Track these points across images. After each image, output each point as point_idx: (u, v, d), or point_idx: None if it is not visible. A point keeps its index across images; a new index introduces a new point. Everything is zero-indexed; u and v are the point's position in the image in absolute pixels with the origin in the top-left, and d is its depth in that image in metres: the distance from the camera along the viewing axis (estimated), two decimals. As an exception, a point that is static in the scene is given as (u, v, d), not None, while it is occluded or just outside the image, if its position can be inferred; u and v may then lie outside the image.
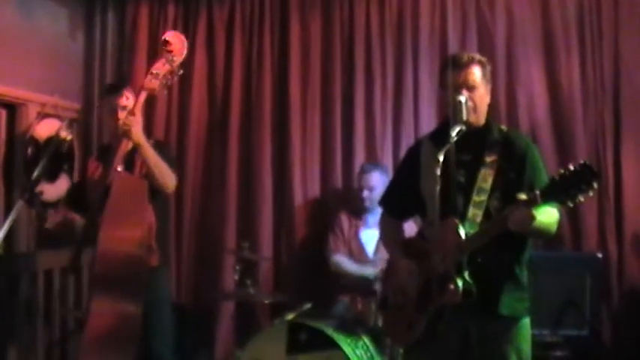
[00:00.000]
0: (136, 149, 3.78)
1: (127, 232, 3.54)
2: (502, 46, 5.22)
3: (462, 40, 5.25)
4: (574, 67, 5.10)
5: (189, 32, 5.65)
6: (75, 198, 4.30)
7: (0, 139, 5.04)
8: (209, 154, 5.68)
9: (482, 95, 3.01)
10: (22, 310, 4.78)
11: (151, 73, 3.72)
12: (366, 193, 4.99)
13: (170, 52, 3.75)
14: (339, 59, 5.52)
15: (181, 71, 3.86)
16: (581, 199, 2.44)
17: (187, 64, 5.55)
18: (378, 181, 4.93)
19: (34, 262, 4.90)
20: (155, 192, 3.81)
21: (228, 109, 5.65)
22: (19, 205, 3.50)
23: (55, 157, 4.01)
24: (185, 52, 3.82)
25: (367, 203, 5.00)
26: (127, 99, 3.96)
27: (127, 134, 3.64)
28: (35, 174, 3.62)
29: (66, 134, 3.79)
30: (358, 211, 5.11)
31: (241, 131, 5.63)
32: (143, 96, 3.73)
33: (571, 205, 2.47)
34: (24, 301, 4.79)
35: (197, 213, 5.64)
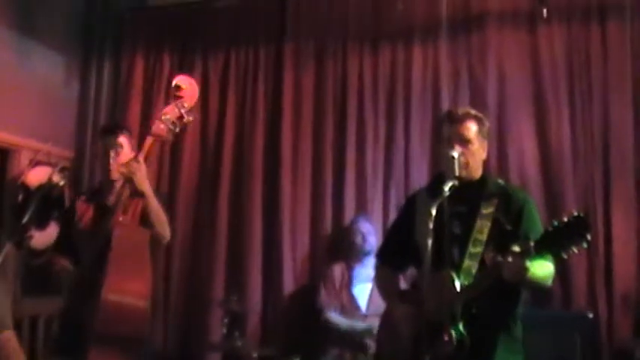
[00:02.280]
0: (132, 197, 3.64)
1: (131, 283, 3.38)
2: (493, 103, 5.25)
3: (454, 96, 5.29)
4: (564, 125, 5.12)
5: (183, 83, 5.69)
6: (64, 242, 4.09)
7: (-10, 184, 5.05)
8: (200, 203, 5.69)
9: (476, 150, 3.04)
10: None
11: (160, 119, 3.59)
12: (359, 239, 5.01)
13: (181, 97, 3.63)
14: (331, 112, 5.56)
15: (192, 118, 3.70)
16: (575, 250, 2.45)
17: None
18: (369, 230, 4.98)
19: (19, 308, 4.83)
20: (152, 244, 3.67)
21: (220, 160, 5.67)
22: (8, 247, 3.44)
23: (45, 202, 3.94)
24: (196, 97, 3.70)
25: (358, 249, 5.00)
26: (122, 142, 3.83)
27: (129, 181, 3.52)
28: (25, 217, 3.55)
29: (58, 179, 3.72)
30: (349, 261, 5.08)
31: (232, 182, 5.64)
32: (149, 141, 3.59)
33: (565, 256, 2.49)
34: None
35: (186, 263, 5.61)
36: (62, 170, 3.75)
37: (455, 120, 3.02)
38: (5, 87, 4.97)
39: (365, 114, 5.49)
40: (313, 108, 5.61)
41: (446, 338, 2.73)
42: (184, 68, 5.78)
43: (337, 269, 5.09)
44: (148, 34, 5.98)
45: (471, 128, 3.02)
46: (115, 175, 3.73)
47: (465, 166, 2.96)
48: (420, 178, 5.20)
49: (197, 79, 5.73)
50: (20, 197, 4.92)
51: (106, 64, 5.90)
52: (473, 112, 3.11)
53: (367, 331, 4.34)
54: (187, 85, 3.70)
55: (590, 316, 4.71)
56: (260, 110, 5.67)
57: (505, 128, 5.22)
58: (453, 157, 2.90)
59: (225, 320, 4.70)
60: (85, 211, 3.89)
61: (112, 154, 3.76)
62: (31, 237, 3.95)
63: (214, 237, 5.56)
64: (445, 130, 3.02)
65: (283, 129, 5.59)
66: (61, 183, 3.77)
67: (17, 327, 4.75)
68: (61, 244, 4.18)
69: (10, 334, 2.32)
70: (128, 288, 3.36)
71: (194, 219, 5.65)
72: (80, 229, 3.84)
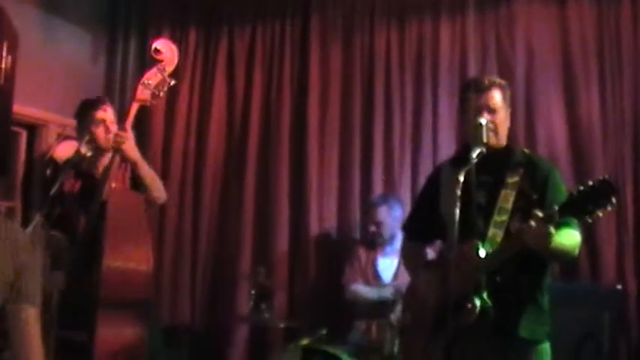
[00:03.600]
0: (120, 164, 3.72)
1: (132, 248, 3.45)
2: (521, 79, 5.21)
3: (482, 70, 5.22)
4: (593, 100, 5.06)
5: (209, 59, 5.74)
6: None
7: (19, 160, 5.08)
8: (226, 181, 5.70)
9: (503, 118, 3.03)
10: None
11: (142, 84, 3.69)
12: (372, 228, 5.00)
13: (161, 61, 3.72)
14: (358, 89, 5.54)
15: (173, 81, 3.79)
16: (600, 214, 2.43)
17: (207, 91, 5.66)
18: (385, 216, 4.91)
19: (48, 282, 4.87)
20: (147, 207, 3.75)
21: (247, 138, 5.68)
22: (37, 218, 3.47)
23: (75, 175, 3.97)
24: (176, 60, 3.78)
25: (376, 237, 4.99)
26: (106, 111, 3.89)
27: (119, 150, 3.59)
28: (53, 190, 3.58)
29: (85, 150, 3.75)
30: (373, 244, 5.07)
31: (259, 159, 5.65)
32: (135, 108, 3.69)
33: (590, 221, 2.46)
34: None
35: (213, 238, 5.64)
36: (89, 142, 3.77)
37: (481, 89, 3.00)
38: (32, 64, 4.98)
39: (392, 89, 5.46)
40: (340, 84, 5.59)
41: (469, 306, 2.72)
42: (210, 44, 5.79)
43: (362, 250, 5.09)
44: (173, 10, 5.96)
45: (497, 97, 3.02)
46: (104, 145, 3.77)
47: (494, 132, 2.94)
48: (449, 152, 5.14)
49: (223, 54, 5.77)
50: (49, 172, 4.96)
51: (132, 41, 5.92)
52: (497, 80, 3.11)
53: (393, 302, 4.31)
54: (167, 49, 3.79)
55: (620, 289, 4.67)
56: (287, 86, 5.66)
57: (533, 102, 5.18)
58: (481, 125, 2.87)
59: (253, 293, 4.70)
60: (72, 186, 3.92)
61: (100, 125, 3.83)
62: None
63: (241, 212, 5.57)
64: (471, 99, 3.00)
65: (310, 105, 5.58)
66: (89, 154, 3.79)
67: (46, 302, 4.81)
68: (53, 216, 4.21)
69: (36, 313, 2.33)
70: (129, 253, 3.43)
71: (221, 195, 5.67)
72: (70, 202, 3.86)
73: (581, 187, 2.46)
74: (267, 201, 5.57)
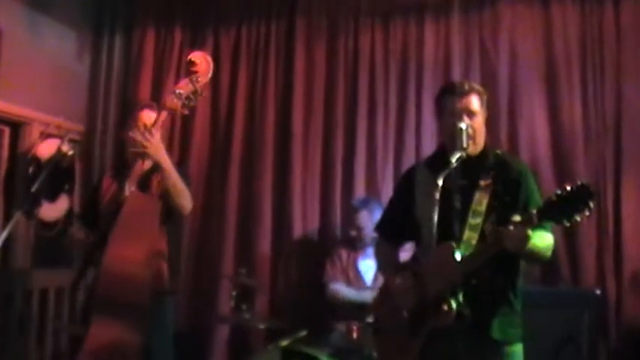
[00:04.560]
0: (153, 170, 3.69)
1: (133, 251, 3.38)
2: (505, 80, 5.23)
3: (466, 72, 5.25)
4: (576, 103, 5.09)
5: (194, 58, 5.70)
6: (87, 213, 4.14)
7: (2, 157, 5.07)
8: (210, 178, 5.69)
9: (480, 123, 3.04)
10: (14, 328, 4.75)
11: (174, 93, 3.63)
12: (353, 233, 5.02)
13: (195, 72, 3.66)
14: (342, 89, 5.55)
15: (204, 93, 3.75)
16: (578, 218, 2.47)
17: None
18: (367, 221, 4.89)
19: (29, 279, 4.89)
20: (170, 215, 3.70)
21: (231, 136, 5.68)
22: (17, 215, 3.46)
23: (55, 173, 3.97)
24: (210, 73, 3.72)
25: (356, 241, 5.02)
26: (149, 116, 3.84)
27: (142, 154, 3.56)
28: (35, 187, 3.57)
29: (67, 148, 3.74)
30: (354, 246, 5.08)
31: (243, 157, 5.65)
32: (163, 115, 3.64)
33: (567, 224, 2.50)
34: (17, 318, 4.76)
35: (195, 238, 5.63)
36: (71, 141, 3.75)
37: (460, 93, 3.01)
38: (17, 61, 4.97)
39: (376, 90, 5.48)
40: (324, 84, 5.60)
41: (445, 309, 2.73)
42: (196, 43, 5.77)
43: (344, 251, 5.10)
44: (159, 9, 5.95)
45: (476, 102, 3.03)
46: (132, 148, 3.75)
47: (473, 137, 2.95)
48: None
49: (208, 54, 5.74)
50: (31, 170, 4.96)
51: (117, 39, 5.89)
52: (476, 86, 3.12)
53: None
54: (202, 60, 3.73)
55: (598, 293, 4.70)
56: (271, 86, 5.67)
57: (516, 105, 5.21)
58: (462, 129, 2.89)
59: (234, 294, 4.69)
60: (109, 187, 3.93)
61: (138, 129, 3.74)
62: (40, 205, 3.97)
63: (225, 212, 5.57)
64: (449, 103, 3.02)
65: (294, 104, 5.59)
66: (70, 152, 3.79)
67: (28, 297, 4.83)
68: (84, 218, 4.24)
69: None
70: (129, 255, 3.36)
71: (205, 194, 5.65)
72: (103, 205, 3.87)
73: (560, 192, 2.49)
74: (250, 201, 5.57)
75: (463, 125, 2.91)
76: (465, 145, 2.87)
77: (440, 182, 2.73)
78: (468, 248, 2.81)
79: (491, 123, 3.14)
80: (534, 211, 2.57)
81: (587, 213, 2.46)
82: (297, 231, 5.45)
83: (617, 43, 5.09)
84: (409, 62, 5.46)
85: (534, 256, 2.88)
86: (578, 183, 2.49)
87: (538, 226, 2.61)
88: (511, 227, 2.59)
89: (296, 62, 5.63)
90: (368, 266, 4.96)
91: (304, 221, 5.48)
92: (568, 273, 4.94)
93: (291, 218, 5.45)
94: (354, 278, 4.96)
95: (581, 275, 4.92)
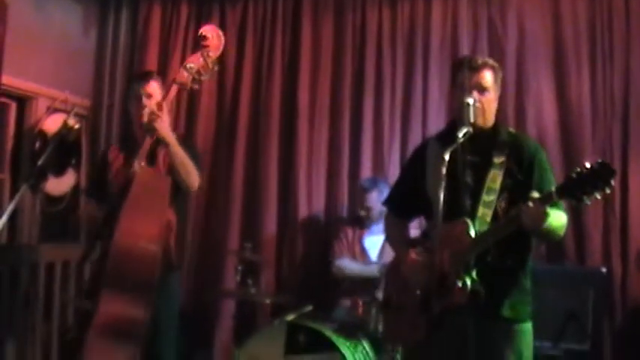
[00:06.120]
0: (159, 144, 3.64)
1: (144, 227, 3.37)
2: (512, 58, 5.22)
3: (473, 49, 5.22)
4: (584, 82, 5.08)
5: (200, 33, 5.67)
6: (95, 185, 4.09)
7: (9, 132, 5.06)
8: (216, 154, 5.68)
9: (492, 99, 3.02)
10: (21, 302, 4.77)
11: (184, 67, 3.61)
12: (362, 213, 5.04)
13: (206, 46, 3.64)
14: (349, 65, 5.53)
15: (216, 68, 3.75)
16: (598, 196, 2.44)
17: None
18: (376, 202, 4.88)
19: (36, 254, 4.90)
20: (177, 190, 3.67)
21: (237, 112, 5.65)
22: (23, 189, 3.45)
23: (62, 148, 3.95)
24: (222, 48, 3.70)
25: (364, 220, 5.04)
26: (153, 88, 3.80)
27: (151, 129, 3.52)
28: (41, 160, 3.55)
29: (73, 122, 3.71)
30: (360, 223, 5.10)
31: (249, 134, 5.63)
32: (174, 90, 3.63)
33: (588, 202, 2.47)
34: (24, 293, 4.78)
35: (201, 213, 5.63)
36: (77, 115, 3.73)
37: (474, 68, 2.99)
38: (23, 36, 4.93)
39: (383, 66, 5.45)
40: (331, 59, 5.57)
41: (459, 286, 2.72)
42: (202, 18, 5.73)
43: (349, 229, 5.12)
44: (165, -17, 5.91)
45: (489, 77, 3.01)
46: (138, 120, 3.73)
47: (482, 113, 2.94)
48: (439, 130, 5.17)
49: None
50: (37, 144, 4.95)
51: (123, 14, 5.85)
52: (490, 61, 3.08)
53: (379, 279, 4.33)
54: (213, 35, 3.71)
55: (604, 271, 4.71)
56: (278, 61, 5.64)
57: (524, 83, 5.20)
58: (468, 104, 2.87)
59: (239, 269, 4.70)
60: (115, 159, 3.91)
61: (144, 100, 3.74)
62: (46, 179, 3.95)
63: (230, 187, 5.57)
64: (462, 77, 2.98)
65: (301, 80, 5.56)
66: (77, 126, 3.77)
67: (34, 272, 4.85)
68: (91, 191, 4.21)
69: None
70: (140, 231, 3.35)
71: (210, 169, 5.62)
72: (110, 177, 3.85)
73: (579, 169, 2.47)
74: (255, 176, 5.56)
75: (470, 100, 2.89)
76: (471, 120, 2.85)
77: (446, 157, 2.72)
78: (483, 225, 2.81)
79: (498, 99, 3.10)
80: (554, 189, 2.55)
81: (607, 191, 2.43)
82: (303, 206, 5.46)
83: (627, 21, 5.07)
84: (416, 39, 5.43)
85: (549, 235, 2.86)
86: (599, 161, 2.46)
87: (553, 204, 2.60)
88: (530, 204, 2.58)
89: (302, 38, 5.60)
90: (373, 242, 4.97)
91: (309, 197, 5.48)
92: (574, 251, 4.96)
93: (297, 193, 5.45)
94: (360, 254, 4.98)
95: (587, 254, 4.94)
